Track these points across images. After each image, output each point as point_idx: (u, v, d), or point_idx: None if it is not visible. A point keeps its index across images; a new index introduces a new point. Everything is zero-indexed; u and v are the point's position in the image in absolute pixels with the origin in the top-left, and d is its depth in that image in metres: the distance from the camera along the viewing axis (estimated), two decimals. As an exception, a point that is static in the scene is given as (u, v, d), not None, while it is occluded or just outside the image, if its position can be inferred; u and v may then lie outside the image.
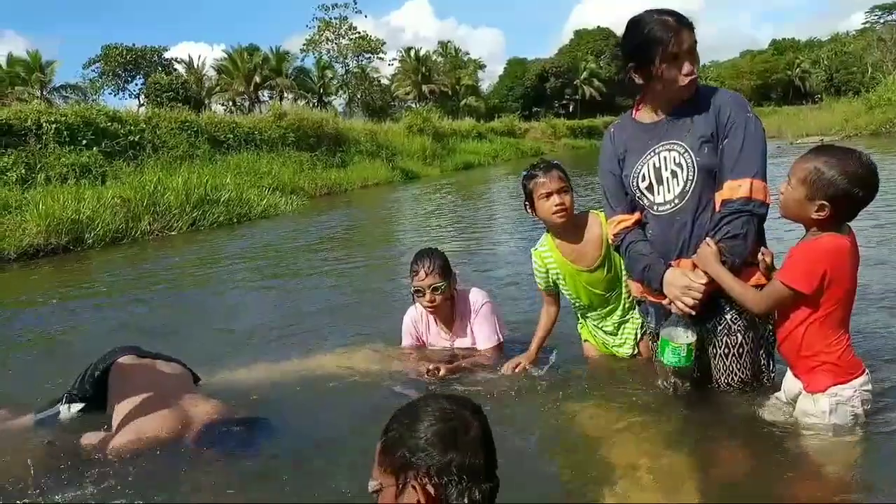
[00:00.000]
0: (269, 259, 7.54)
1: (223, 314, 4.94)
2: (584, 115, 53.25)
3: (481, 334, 3.23)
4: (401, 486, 1.26)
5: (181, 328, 4.58)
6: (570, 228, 2.87)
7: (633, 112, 2.50)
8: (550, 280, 2.99)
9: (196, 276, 6.63)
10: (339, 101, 51.12)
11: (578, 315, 3.15)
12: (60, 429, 2.77)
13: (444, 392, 1.44)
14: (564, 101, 63.93)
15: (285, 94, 49.21)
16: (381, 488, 1.29)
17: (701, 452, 2.24)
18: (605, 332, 3.06)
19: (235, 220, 10.93)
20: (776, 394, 2.32)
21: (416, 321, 3.35)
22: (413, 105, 46.47)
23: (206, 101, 48.03)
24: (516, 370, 2.98)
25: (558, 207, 2.79)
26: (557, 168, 2.85)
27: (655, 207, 2.39)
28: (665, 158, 2.34)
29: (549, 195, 2.79)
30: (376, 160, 20.79)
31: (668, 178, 2.34)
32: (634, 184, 2.41)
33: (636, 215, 2.49)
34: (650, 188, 2.38)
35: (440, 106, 39.23)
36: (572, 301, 3.04)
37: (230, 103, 49.34)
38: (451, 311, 3.26)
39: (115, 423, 2.60)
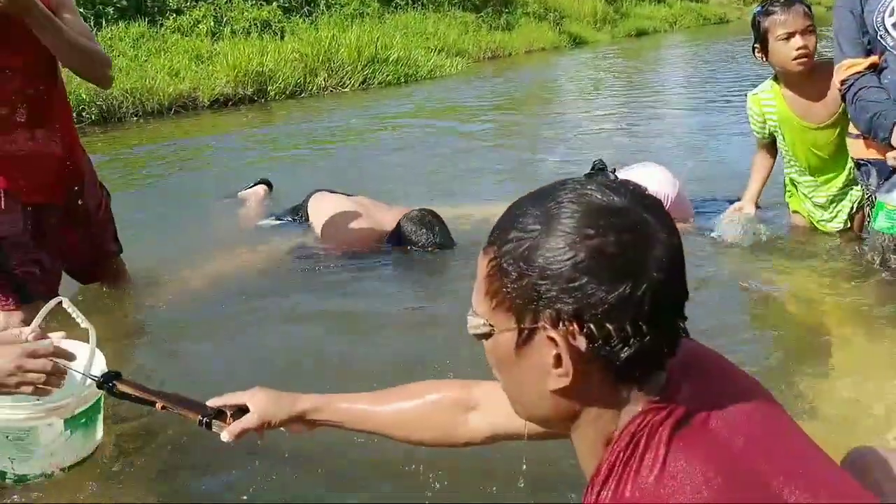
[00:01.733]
0: (437, 118, 7.61)
1: (397, 164, 5.11)
2: (781, -22, 46.75)
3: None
4: (526, 332, 0.77)
5: (362, 170, 4.86)
6: (808, 78, 2.50)
7: None
8: (767, 131, 2.71)
9: (371, 129, 6.87)
10: (506, -39, 48.53)
11: (788, 181, 2.86)
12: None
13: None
14: (759, -39, 56.46)
15: (451, -47, 47.42)
16: (492, 332, 0.80)
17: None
18: (815, 203, 2.76)
19: (403, 81, 11.02)
20: None
21: None
22: (585, -36, 43.03)
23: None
24: (738, 213, 2.86)
25: (800, 52, 2.43)
26: (802, 3, 2.45)
27: None
28: None
29: (789, 36, 2.42)
30: (543, 23, 19.77)
31: None
32: (879, 20, 2.09)
33: (870, 59, 2.18)
34: None
35: (615, -35, 35.98)
36: (787, 161, 2.75)
37: (396, -38, 48.52)
38: None
39: (319, 233, 3.23)
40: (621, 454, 0.76)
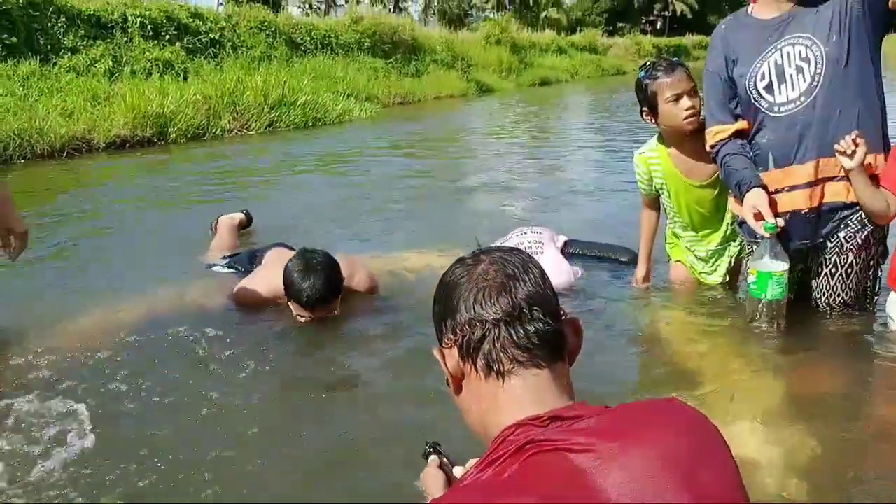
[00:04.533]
0: (344, 163, 7.59)
1: (300, 211, 5.01)
2: (672, 34, 50.34)
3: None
4: (441, 360, 1.03)
5: (263, 212, 4.72)
6: (692, 138, 2.60)
7: (749, 8, 2.30)
8: (654, 188, 2.82)
9: (276, 175, 6.75)
10: (415, 8, 49.86)
11: (670, 233, 2.98)
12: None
13: None
14: (652, 18, 60.47)
15: (362, -1, 48.19)
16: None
17: (794, 368, 2.17)
18: (696, 256, 2.89)
19: (311, 124, 10.97)
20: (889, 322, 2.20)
21: None
22: (491, 15, 44.79)
23: (283, 3, 47.60)
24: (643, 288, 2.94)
25: (690, 111, 2.52)
26: (682, 66, 2.57)
27: (776, 108, 2.22)
28: (788, 54, 2.16)
29: (678, 98, 2.52)
30: (451, 71, 20.31)
31: (791, 74, 2.16)
32: (751, 84, 2.23)
33: (736, 125, 2.33)
34: (769, 88, 2.21)
35: (519, 17, 37.65)
36: (670, 217, 2.87)
37: (306, 6, 48.77)
38: None
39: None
40: (491, 453, 0.88)
